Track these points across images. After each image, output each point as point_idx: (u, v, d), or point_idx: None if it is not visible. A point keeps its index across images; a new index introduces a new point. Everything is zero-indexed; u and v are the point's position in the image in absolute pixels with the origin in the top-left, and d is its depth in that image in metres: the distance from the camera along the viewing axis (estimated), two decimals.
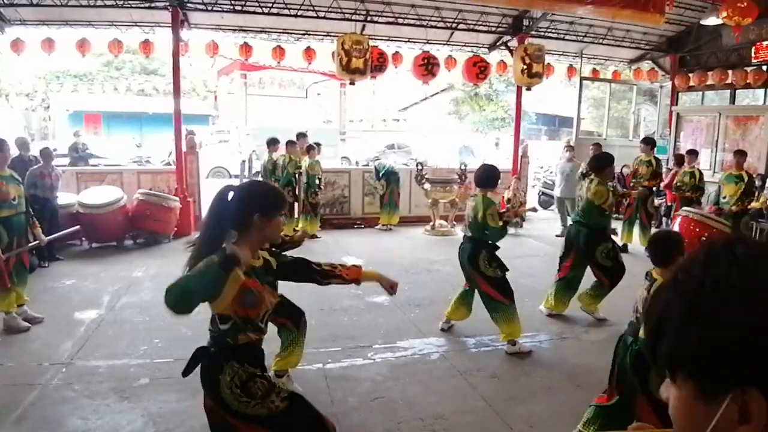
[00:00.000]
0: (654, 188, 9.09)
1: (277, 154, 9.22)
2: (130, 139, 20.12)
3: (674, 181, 8.97)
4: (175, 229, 8.89)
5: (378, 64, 10.34)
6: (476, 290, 4.87)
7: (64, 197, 7.97)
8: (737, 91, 11.89)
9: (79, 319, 5.31)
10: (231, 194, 2.27)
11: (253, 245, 2.30)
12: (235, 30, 10.28)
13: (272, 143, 9.32)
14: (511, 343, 4.74)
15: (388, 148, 21.29)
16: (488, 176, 4.92)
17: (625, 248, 8.88)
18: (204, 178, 12.80)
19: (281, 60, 10.66)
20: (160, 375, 4.15)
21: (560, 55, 12.46)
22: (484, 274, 4.68)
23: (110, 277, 6.72)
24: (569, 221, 9.72)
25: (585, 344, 5.10)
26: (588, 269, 5.62)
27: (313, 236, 9.39)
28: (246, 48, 10.35)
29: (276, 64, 11.34)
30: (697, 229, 7.21)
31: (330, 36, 10.43)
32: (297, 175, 9.39)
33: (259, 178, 9.58)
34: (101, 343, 4.74)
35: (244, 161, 15.86)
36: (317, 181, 9.38)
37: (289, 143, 9.35)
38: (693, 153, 8.74)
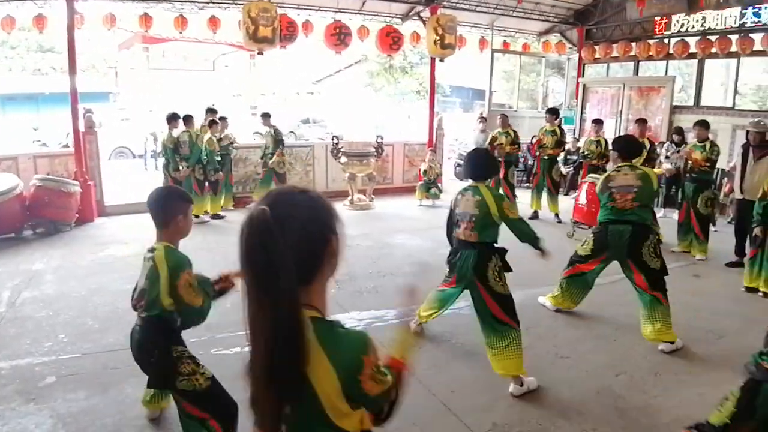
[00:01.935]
0: (558, 156, 9.43)
1: (178, 131, 8.71)
2: (27, 121, 18.64)
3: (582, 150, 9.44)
4: (77, 215, 8.34)
5: (287, 33, 9.98)
6: (478, 308, 3.94)
7: None
8: (640, 62, 12.44)
9: None
10: (271, 229, 1.15)
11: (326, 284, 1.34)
12: (133, 0, 9.62)
13: (172, 119, 8.70)
14: (518, 383, 3.76)
15: (302, 122, 20.92)
16: (488, 164, 4.16)
17: (535, 215, 9.29)
18: (107, 159, 12.06)
19: (184, 30, 10.08)
20: (66, 372, 3.92)
21: (472, 26, 12.58)
22: (493, 289, 3.80)
23: (9, 272, 6.25)
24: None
25: None
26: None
27: (216, 215, 9.14)
28: (146, 19, 9.69)
29: (179, 35, 10.72)
30: None
31: (236, 4, 9.91)
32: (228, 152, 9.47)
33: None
34: (2, 343, 4.41)
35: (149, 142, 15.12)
36: (217, 158, 9.04)
37: (187, 118, 8.77)
38: (598, 122, 9.06)
